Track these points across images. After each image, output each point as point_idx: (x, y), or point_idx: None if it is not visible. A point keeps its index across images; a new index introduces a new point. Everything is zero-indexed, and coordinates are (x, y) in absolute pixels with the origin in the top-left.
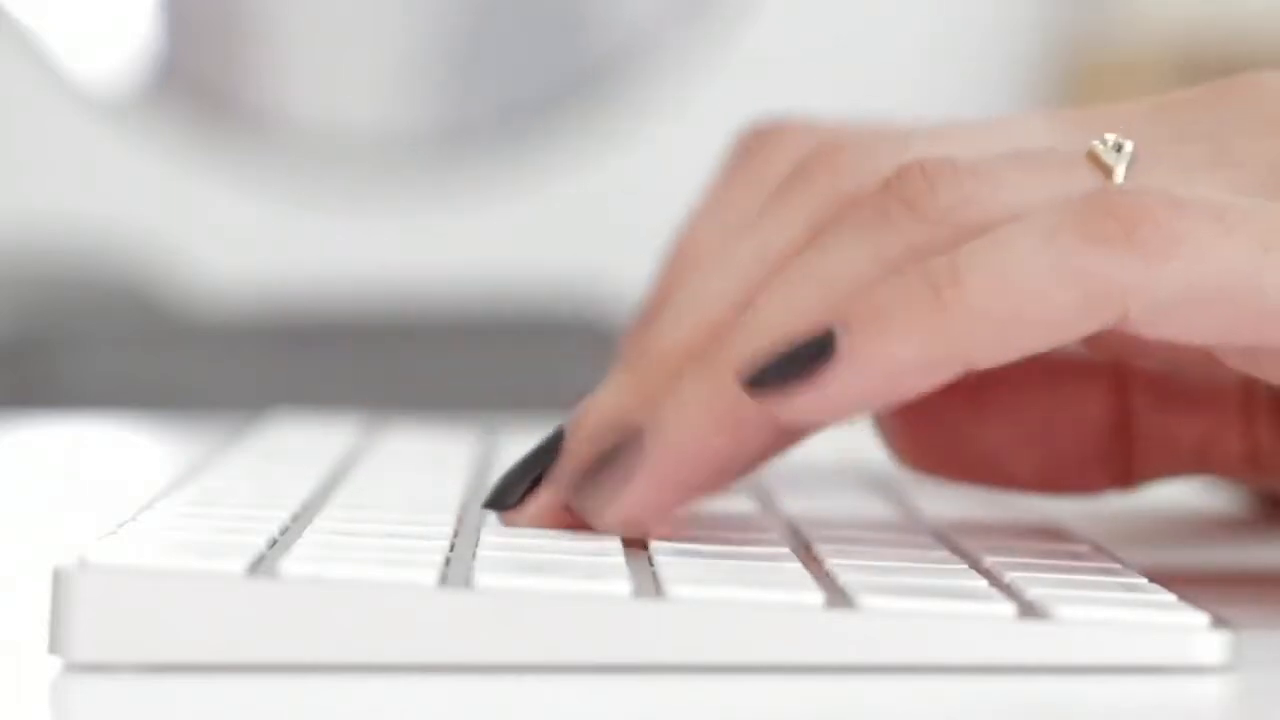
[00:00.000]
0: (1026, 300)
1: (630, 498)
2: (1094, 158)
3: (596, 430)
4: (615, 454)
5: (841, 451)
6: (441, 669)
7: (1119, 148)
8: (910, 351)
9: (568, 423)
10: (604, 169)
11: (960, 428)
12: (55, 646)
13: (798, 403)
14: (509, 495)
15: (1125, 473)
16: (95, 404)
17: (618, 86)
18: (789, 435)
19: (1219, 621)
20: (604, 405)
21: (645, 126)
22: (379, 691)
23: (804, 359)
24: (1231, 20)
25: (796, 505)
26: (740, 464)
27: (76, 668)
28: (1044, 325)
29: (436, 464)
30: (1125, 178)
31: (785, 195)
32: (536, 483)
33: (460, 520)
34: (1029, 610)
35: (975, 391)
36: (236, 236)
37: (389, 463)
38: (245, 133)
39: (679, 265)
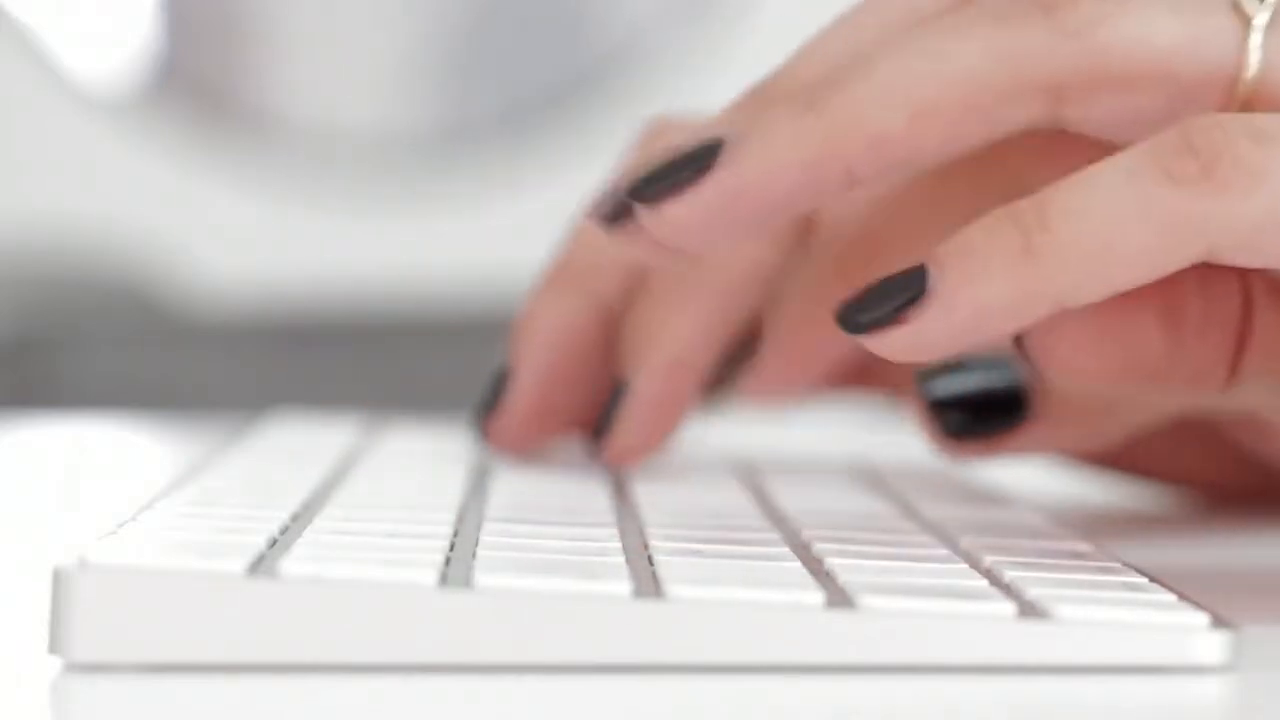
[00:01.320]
0: (1112, 240)
1: (685, 205)
2: (1235, 3)
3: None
4: (684, 161)
5: (841, 451)
6: (441, 669)
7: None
8: (1000, 294)
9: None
10: (604, 169)
11: (1134, 327)
12: (55, 646)
13: (891, 339)
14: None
15: (1240, 352)
16: (95, 404)
17: (618, 86)
18: (857, 190)
19: (1219, 621)
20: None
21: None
22: (379, 691)
23: (897, 297)
24: None
25: (797, 505)
26: (803, 208)
27: (76, 668)
28: (1131, 263)
29: (436, 464)
30: (1264, 32)
31: None
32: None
33: (460, 520)
34: (1029, 610)
35: (1142, 289)
36: (236, 236)
37: (389, 463)
38: (245, 133)
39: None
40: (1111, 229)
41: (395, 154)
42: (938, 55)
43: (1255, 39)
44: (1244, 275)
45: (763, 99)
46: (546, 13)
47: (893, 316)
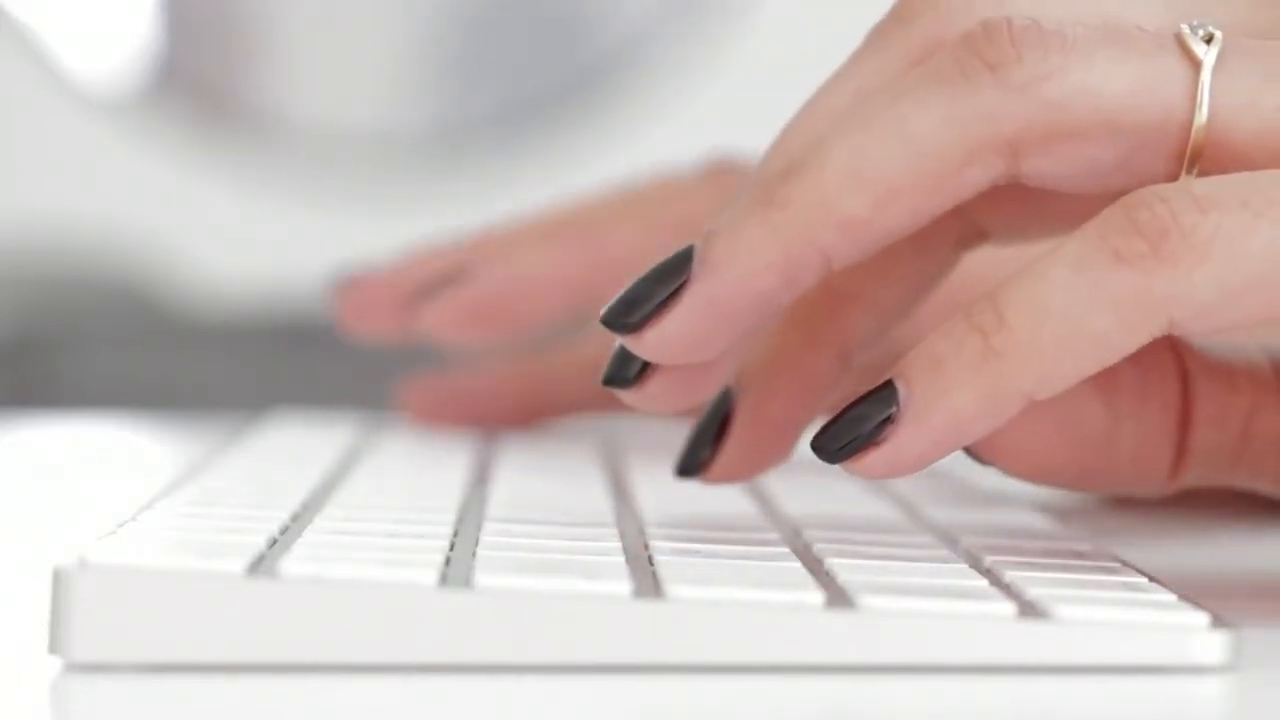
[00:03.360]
0: (1072, 330)
1: (669, 325)
2: (1183, 44)
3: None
4: (657, 279)
5: None
6: (441, 669)
7: (1209, 39)
8: (971, 401)
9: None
10: (604, 169)
11: (1070, 413)
12: (55, 646)
13: (869, 462)
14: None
15: (1181, 456)
16: (95, 404)
17: (618, 86)
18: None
19: (1219, 621)
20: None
21: (645, 126)
22: (379, 691)
23: (870, 420)
24: None
25: (796, 505)
26: (786, 301)
27: (76, 668)
28: (1094, 349)
29: (436, 464)
30: (1211, 74)
31: (885, 35)
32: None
33: (460, 520)
34: (1029, 610)
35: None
36: (236, 236)
37: (389, 463)
38: (245, 133)
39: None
40: (1069, 319)
41: (395, 154)
42: (893, 132)
43: (1205, 79)
44: (1179, 355)
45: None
46: (546, 13)
47: (869, 440)
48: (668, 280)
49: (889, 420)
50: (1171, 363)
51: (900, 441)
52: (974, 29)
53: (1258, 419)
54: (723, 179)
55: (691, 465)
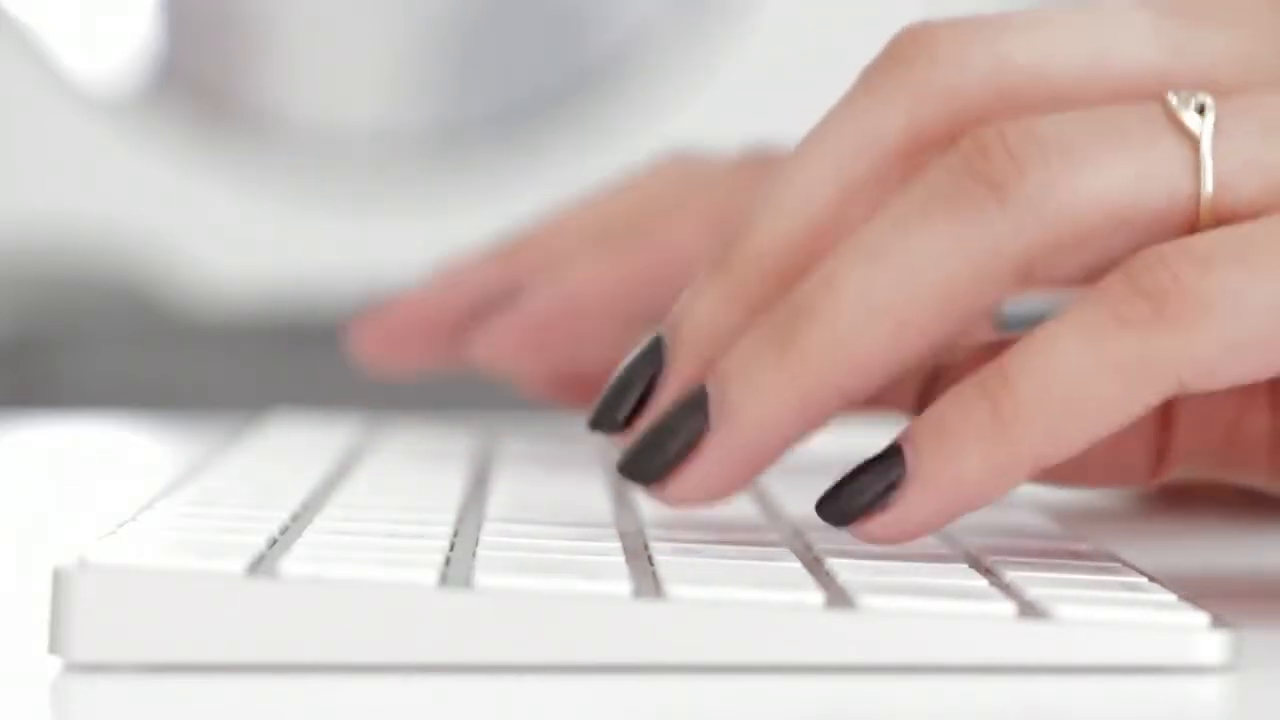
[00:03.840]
0: (1078, 397)
1: (693, 474)
2: (1175, 121)
3: (697, 346)
4: (674, 428)
5: (841, 451)
6: (441, 669)
7: (1201, 109)
8: (977, 466)
9: (664, 329)
10: (604, 169)
11: None
12: (55, 646)
13: (874, 526)
14: (615, 413)
15: (1162, 455)
16: (95, 404)
17: (618, 86)
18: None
19: (1219, 621)
20: (699, 316)
21: (645, 126)
22: (379, 691)
23: (877, 485)
24: None
25: (796, 505)
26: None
27: (76, 668)
28: (1102, 416)
29: (436, 464)
30: (1211, 146)
31: (879, 80)
32: (642, 400)
33: (460, 520)
34: (1029, 610)
35: None
36: (236, 236)
37: (389, 463)
38: (245, 133)
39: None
40: (1076, 386)
41: (395, 154)
42: (901, 265)
43: (1205, 152)
44: None
45: (728, 296)
46: (546, 13)
47: (875, 505)
48: (686, 426)
49: (896, 485)
50: None
51: (907, 506)
52: (968, 145)
53: (1244, 421)
54: (757, 167)
55: (606, 422)
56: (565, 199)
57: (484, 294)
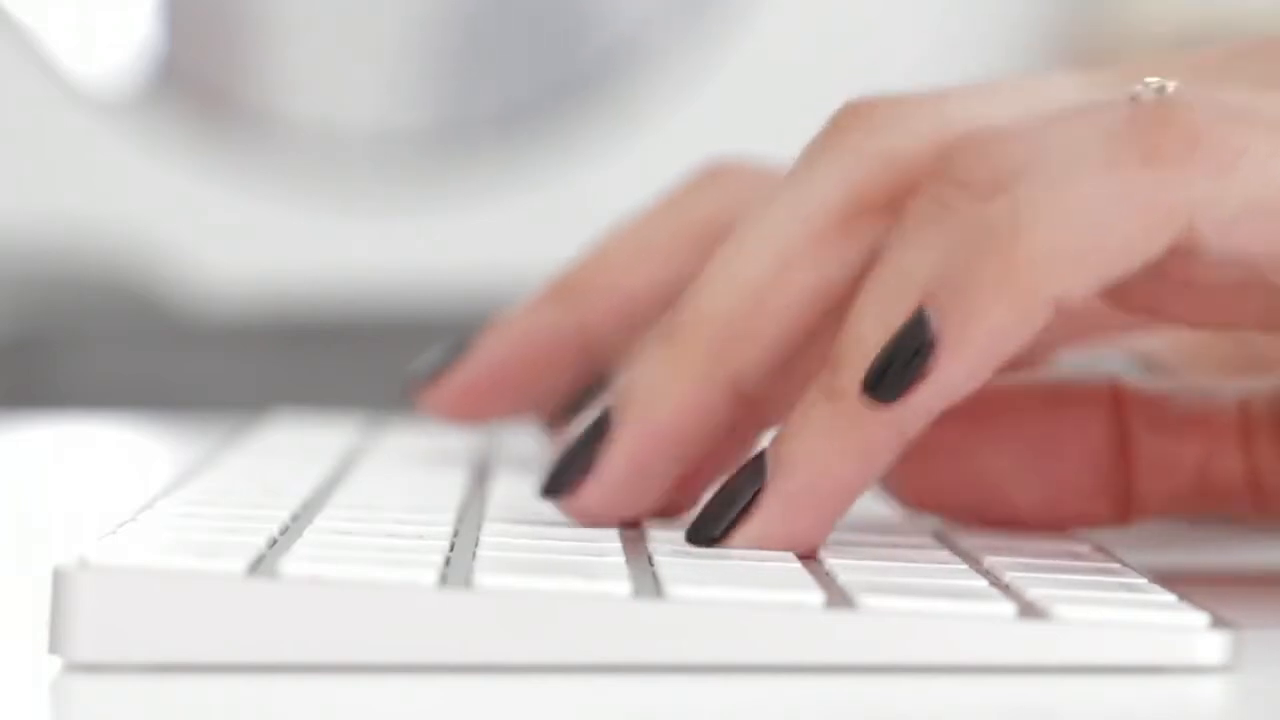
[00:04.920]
0: (1097, 233)
1: (764, 525)
2: (1137, 102)
3: (643, 414)
4: (736, 489)
5: None
6: (441, 669)
7: (1161, 89)
8: (1002, 314)
9: (611, 400)
10: (604, 169)
11: (959, 458)
12: (55, 646)
13: (918, 401)
14: (562, 482)
15: (1127, 502)
16: (95, 404)
17: (618, 86)
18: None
19: (1219, 621)
20: (646, 385)
21: (644, 127)
22: (379, 691)
23: (908, 358)
24: (1229, 16)
25: None
26: (867, 485)
27: (76, 668)
28: (1118, 251)
29: (436, 464)
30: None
31: (818, 153)
32: (588, 466)
33: (460, 520)
34: (1029, 610)
35: (973, 420)
36: (236, 236)
37: (389, 462)
38: (245, 132)
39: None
40: (1096, 224)
41: (395, 153)
42: (911, 287)
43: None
44: (1117, 406)
45: (673, 364)
46: (546, 13)
47: (915, 374)
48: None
49: (928, 355)
50: (1103, 415)
51: (944, 370)
52: (929, 172)
53: (1216, 464)
54: (720, 178)
55: (558, 486)
56: (614, 220)
57: (549, 338)
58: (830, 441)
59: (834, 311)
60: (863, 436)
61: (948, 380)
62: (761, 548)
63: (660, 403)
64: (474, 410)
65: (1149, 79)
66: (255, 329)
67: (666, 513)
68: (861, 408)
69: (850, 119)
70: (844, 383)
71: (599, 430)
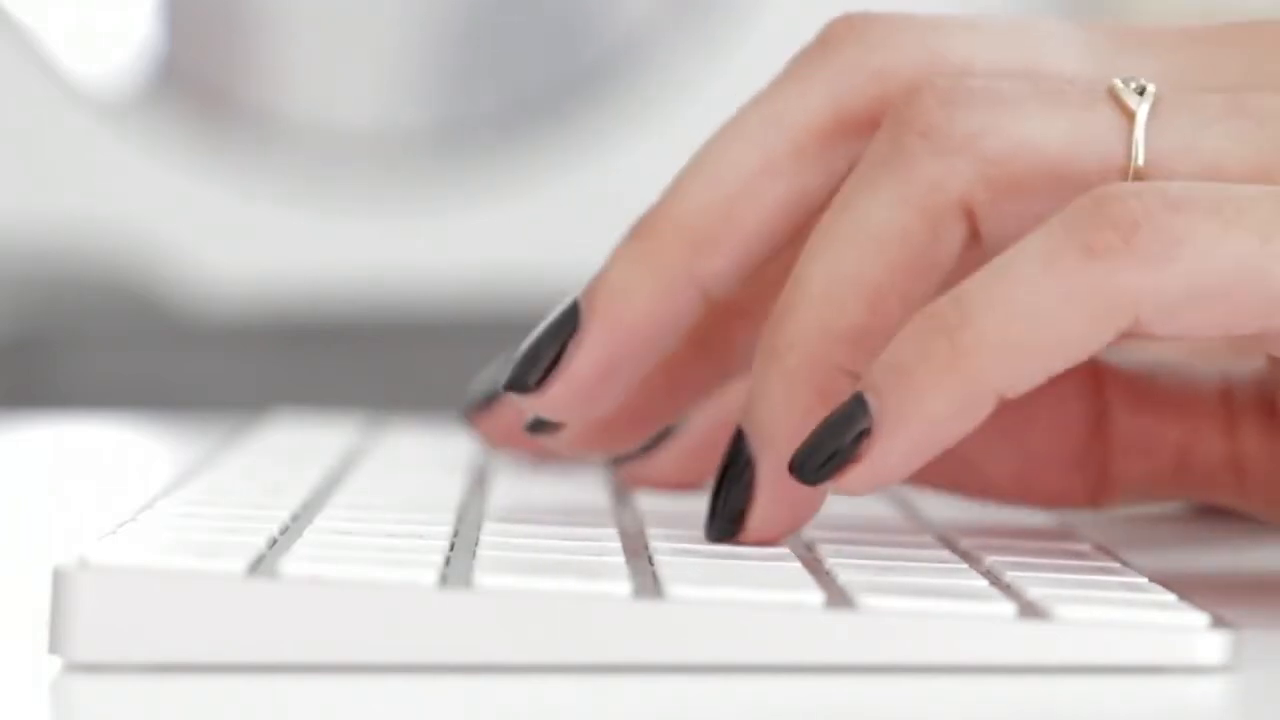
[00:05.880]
0: (1039, 327)
1: (764, 508)
2: (1115, 96)
3: (611, 310)
4: (731, 475)
5: None
6: (441, 669)
7: (1141, 90)
8: (942, 403)
9: (580, 294)
10: (604, 169)
11: None
12: (55, 646)
13: (851, 480)
14: (528, 375)
15: (1103, 481)
16: (95, 404)
17: (618, 86)
18: None
19: (1219, 621)
20: (615, 280)
21: (645, 127)
22: (379, 691)
23: (843, 438)
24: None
25: None
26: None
27: (76, 668)
28: (1061, 345)
29: (436, 464)
30: (1145, 124)
31: (806, 64)
32: (556, 361)
33: (460, 520)
34: (1029, 610)
35: None
36: (236, 236)
37: (389, 463)
38: (245, 132)
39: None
40: (1038, 313)
41: (395, 153)
42: (856, 236)
43: (1139, 133)
44: (1098, 384)
45: (643, 262)
46: (546, 13)
47: (846, 457)
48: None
49: (865, 435)
50: (1080, 391)
51: (879, 454)
52: (899, 104)
53: (1197, 446)
54: (849, 40)
55: (524, 383)
56: (614, 219)
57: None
58: (795, 403)
59: (808, 222)
60: (813, 382)
61: (881, 465)
62: (759, 536)
63: (629, 302)
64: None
65: (1128, 79)
66: (255, 329)
67: (629, 426)
68: (802, 352)
69: (843, 32)
70: (785, 334)
71: (565, 326)
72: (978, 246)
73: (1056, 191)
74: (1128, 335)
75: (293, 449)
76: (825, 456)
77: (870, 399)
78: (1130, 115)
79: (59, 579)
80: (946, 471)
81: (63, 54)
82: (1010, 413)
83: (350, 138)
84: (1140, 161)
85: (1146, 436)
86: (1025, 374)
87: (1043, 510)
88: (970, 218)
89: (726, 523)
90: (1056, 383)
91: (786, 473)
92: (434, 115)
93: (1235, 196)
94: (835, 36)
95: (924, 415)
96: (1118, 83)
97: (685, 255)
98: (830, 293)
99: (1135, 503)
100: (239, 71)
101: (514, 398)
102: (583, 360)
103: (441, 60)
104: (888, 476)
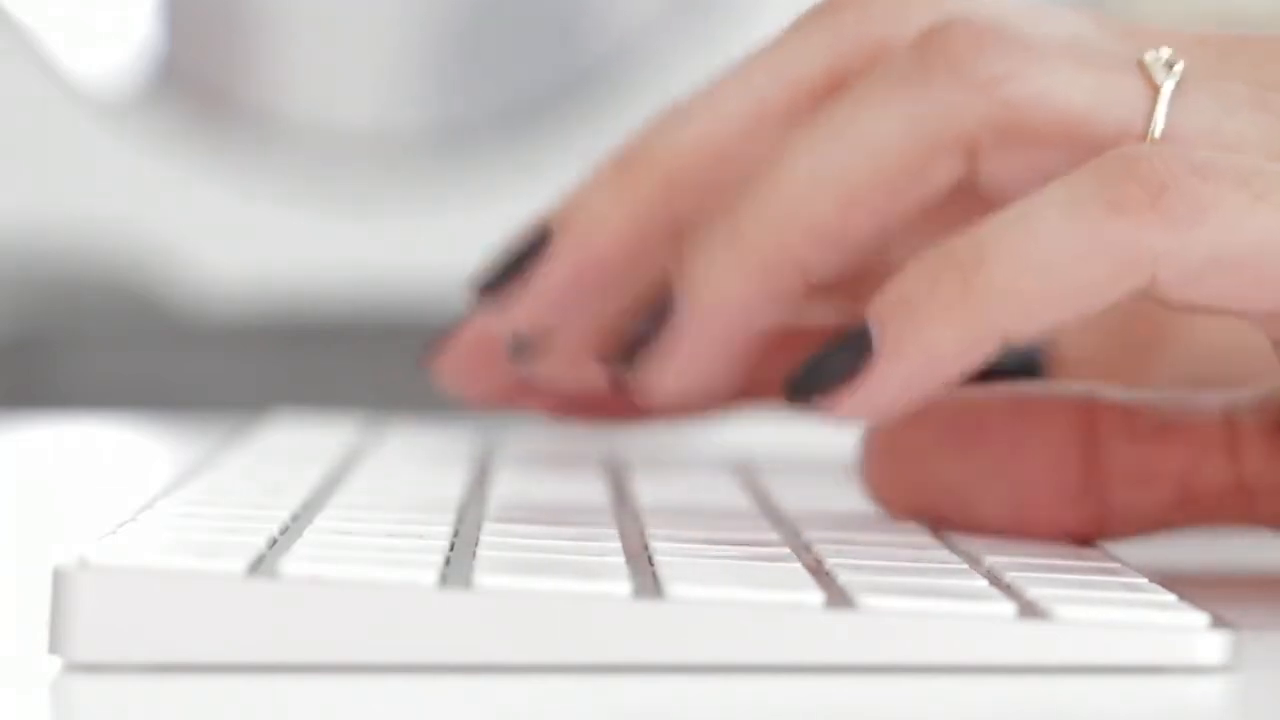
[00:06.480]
0: (1056, 274)
1: (679, 368)
2: (1143, 68)
3: (583, 235)
4: (652, 325)
5: (841, 450)
6: (441, 669)
7: (1170, 65)
8: (946, 338)
9: (553, 218)
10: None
11: (927, 463)
12: (55, 646)
13: (846, 404)
14: (495, 290)
15: (1104, 514)
16: (95, 404)
17: (617, 87)
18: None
19: (1219, 621)
20: (591, 207)
21: None
22: (379, 691)
23: (844, 359)
24: (1231, 21)
25: (797, 505)
26: (774, 318)
27: (76, 668)
28: (1074, 296)
29: (436, 464)
30: (1170, 99)
31: (810, 24)
32: (524, 279)
33: (460, 520)
34: (1029, 610)
35: (942, 426)
36: (236, 236)
37: (389, 463)
38: (245, 132)
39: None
40: (1056, 261)
41: (394, 153)
42: (853, 135)
43: (1162, 105)
44: (1089, 416)
45: (621, 195)
46: (546, 12)
47: (844, 380)
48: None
49: (863, 360)
50: (1072, 421)
51: (875, 381)
52: (932, 27)
53: (1199, 474)
54: (838, 14)
55: (491, 294)
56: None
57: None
58: (736, 272)
59: None
60: (765, 265)
61: (874, 392)
62: (676, 388)
63: (602, 229)
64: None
65: (1160, 50)
66: (255, 329)
67: (596, 355)
68: (763, 231)
69: None
70: (750, 207)
71: (537, 244)
72: (968, 188)
73: (1068, 148)
74: (1141, 296)
75: (293, 449)
76: (820, 378)
77: (873, 325)
78: (1155, 88)
79: (59, 579)
80: (942, 509)
81: (63, 54)
82: (999, 444)
83: (350, 138)
84: (1157, 134)
85: (1146, 466)
86: (1033, 320)
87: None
88: (972, 158)
89: (637, 359)
90: (1046, 414)
91: (706, 339)
92: (434, 115)
93: (1264, 171)
94: (839, 2)
95: (926, 347)
96: (1147, 56)
97: (663, 192)
98: (808, 184)
99: (1144, 535)
100: (239, 71)
101: (484, 308)
102: (551, 273)
103: (441, 60)
104: (881, 405)
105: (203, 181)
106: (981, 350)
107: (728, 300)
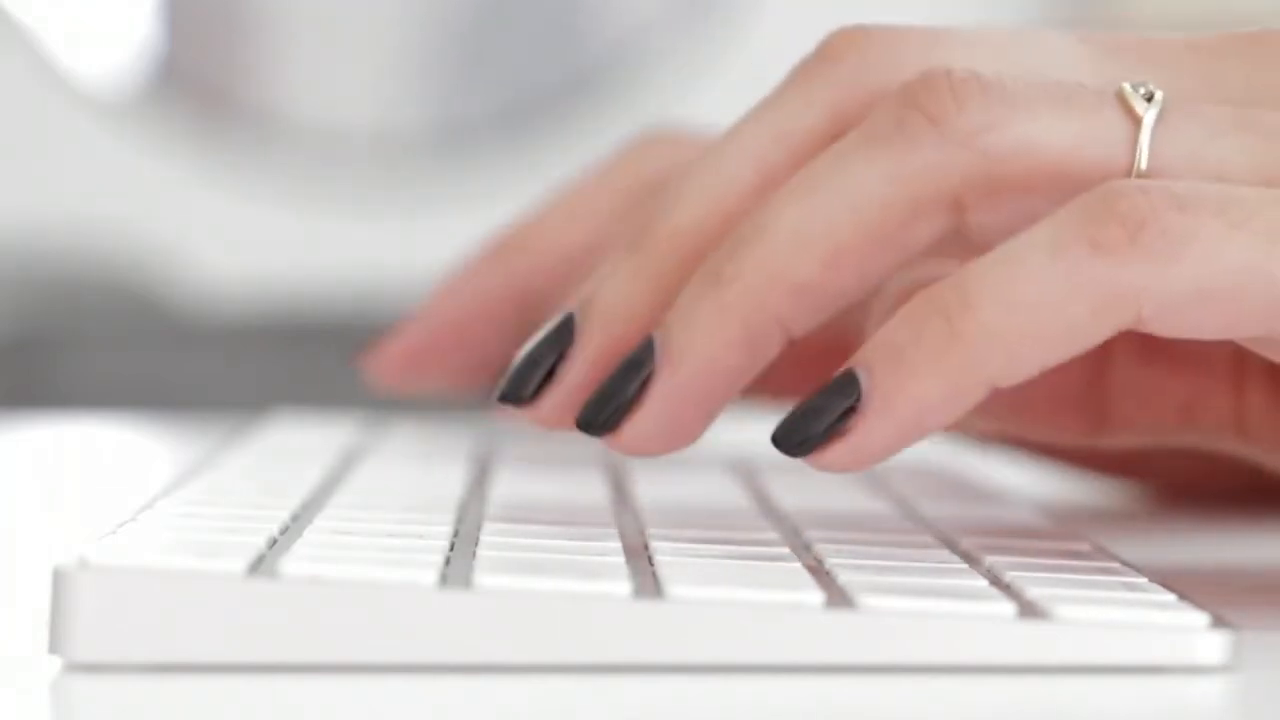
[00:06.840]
0: (1041, 318)
1: (645, 421)
2: (1123, 100)
3: (608, 323)
4: (624, 375)
5: None
6: (441, 669)
7: (1150, 97)
8: (934, 387)
9: (575, 307)
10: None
11: None
12: (55, 646)
13: (832, 457)
14: (523, 388)
15: (1101, 421)
16: (95, 404)
17: (617, 87)
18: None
19: (1219, 621)
20: (611, 293)
21: (645, 127)
22: (379, 691)
23: (832, 411)
24: (1230, 16)
25: (797, 505)
26: (753, 374)
27: (76, 668)
28: (1061, 337)
29: (436, 463)
30: (1152, 131)
31: (808, 76)
32: (550, 373)
33: (460, 520)
34: (1029, 610)
35: None
36: (236, 236)
37: (389, 462)
38: (245, 133)
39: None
40: (1040, 304)
41: (395, 154)
42: (836, 193)
43: (1145, 135)
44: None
45: (642, 275)
46: (546, 13)
47: (832, 431)
48: (633, 373)
49: (850, 411)
50: None
51: (864, 433)
52: (912, 81)
53: (1202, 403)
54: (654, 144)
55: (519, 394)
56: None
57: (490, 299)
58: (718, 329)
59: None
60: (748, 323)
61: (864, 445)
62: (646, 445)
63: (625, 314)
64: (417, 374)
65: (1136, 84)
66: (255, 329)
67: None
68: (747, 290)
69: (843, 46)
70: (735, 267)
71: (562, 337)
72: (960, 236)
73: (1055, 191)
74: (1130, 330)
75: (293, 449)
76: (809, 429)
77: (861, 375)
78: (1137, 120)
79: (59, 579)
80: None
81: (63, 54)
82: None
83: (349, 138)
84: (1143, 166)
85: (1150, 388)
86: (1021, 364)
87: (1040, 448)
88: (958, 212)
89: (604, 413)
90: None
91: (680, 396)
92: (434, 115)
93: (1242, 199)
94: (835, 50)
95: (914, 398)
96: (1126, 87)
97: (681, 269)
98: (793, 242)
99: (1137, 444)
100: (239, 72)
101: (508, 409)
102: (577, 374)
103: (441, 60)
104: (870, 457)
105: (203, 182)
106: (969, 399)
107: (706, 359)
